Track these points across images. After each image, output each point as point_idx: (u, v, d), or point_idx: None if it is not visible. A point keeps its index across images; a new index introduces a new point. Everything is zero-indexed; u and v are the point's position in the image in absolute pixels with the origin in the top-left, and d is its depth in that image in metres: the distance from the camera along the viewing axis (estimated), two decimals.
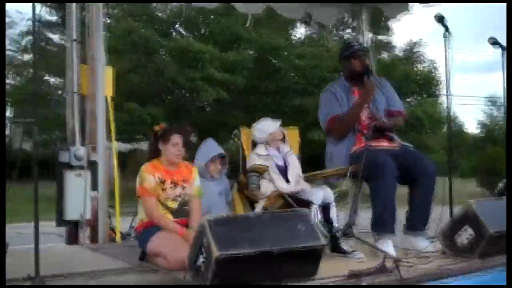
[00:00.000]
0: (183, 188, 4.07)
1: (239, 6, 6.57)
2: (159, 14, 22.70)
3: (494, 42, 5.17)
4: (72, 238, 6.41)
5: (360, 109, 4.66)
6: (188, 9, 20.67)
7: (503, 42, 5.18)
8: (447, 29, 4.91)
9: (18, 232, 7.18)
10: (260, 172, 4.28)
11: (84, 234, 6.04)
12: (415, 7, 7.10)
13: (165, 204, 4.00)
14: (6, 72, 32.95)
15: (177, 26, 22.68)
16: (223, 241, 3.14)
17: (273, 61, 22.22)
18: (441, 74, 23.31)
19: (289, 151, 4.75)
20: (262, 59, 21.71)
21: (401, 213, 4.69)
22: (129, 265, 4.04)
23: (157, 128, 4.14)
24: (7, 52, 32.70)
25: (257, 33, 21.21)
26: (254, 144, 4.75)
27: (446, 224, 4.35)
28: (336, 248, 4.29)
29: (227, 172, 4.75)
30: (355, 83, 4.76)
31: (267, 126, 4.72)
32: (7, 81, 33.18)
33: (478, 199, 4.24)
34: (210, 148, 4.63)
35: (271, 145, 4.67)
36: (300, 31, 25.27)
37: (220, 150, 4.61)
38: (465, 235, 4.18)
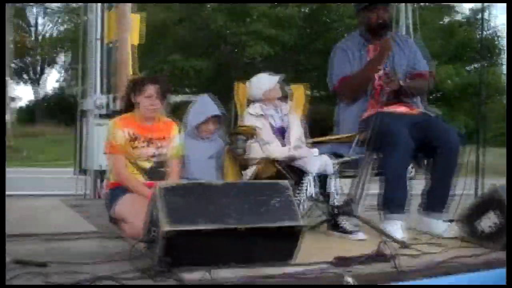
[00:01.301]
0: (159, 147, 3.55)
1: None
2: None
3: None
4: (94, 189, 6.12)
5: (373, 69, 4.00)
6: None
7: None
8: None
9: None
10: (248, 133, 3.70)
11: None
12: None
13: (136, 164, 3.50)
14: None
15: None
16: (175, 213, 2.64)
17: (324, 19, 21.29)
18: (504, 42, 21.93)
19: (290, 111, 4.13)
20: (313, 16, 20.85)
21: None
22: (96, 228, 3.60)
23: (130, 78, 3.61)
24: None
25: None
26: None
27: (468, 207, 3.72)
28: (335, 226, 3.73)
29: (221, 132, 4.14)
30: (371, 39, 4.09)
31: (262, 82, 4.11)
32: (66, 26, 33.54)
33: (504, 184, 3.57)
34: (206, 107, 4.00)
35: (268, 104, 4.06)
36: None
37: (217, 110, 3.99)
38: (489, 222, 3.56)
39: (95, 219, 3.89)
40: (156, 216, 2.65)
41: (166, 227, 2.57)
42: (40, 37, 33.89)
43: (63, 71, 35.40)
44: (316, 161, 3.66)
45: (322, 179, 3.74)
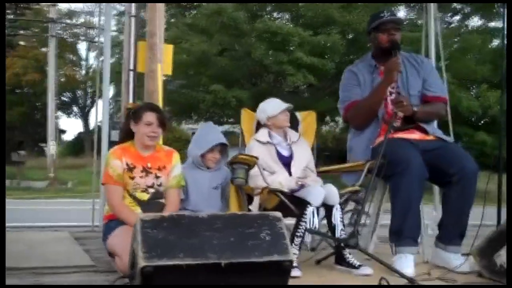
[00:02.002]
0: (157, 177, 3.45)
1: None
2: None
3: None
4: None
5: (380, 92, 3.81)
6: None
7: None
8: None
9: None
10: (249, 164, 3.55)
11: None
12: None
13: (134, 195, 3.40)
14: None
15: (268, 8, 21.99)
16: (154, 248, 2.51)
17: (368, 45, 21.05)
18: None
19: (298, 140, 3.97)
20: (355, 43, 20.62)
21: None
22: (93, 263, 3.51)
23: (129, 105, 3.54)
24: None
25: (352, 16, 20.14)
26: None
27: (484, 240, 3.47)
28: (341, 260, 3.54)
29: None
30: (383, 61, 3.90)
31: (268, 107, 3.97)
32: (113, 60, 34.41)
33: None
34: (211, 135, 3.88)
35: (275, 131, 3.92)
36: (399, 15, 23.79)
37: (222, 138, 3.86)
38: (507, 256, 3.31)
39: (96, 252, 3.81)
40: (135, 250, 2.55)
41: (142, 262, 2.46)
42: (90, 71, 34.82)
43: (112, 104, 36.19)
44: (319, 191, 3.48)
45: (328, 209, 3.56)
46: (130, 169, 3.39)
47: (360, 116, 3.88)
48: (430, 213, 4.57)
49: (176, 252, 2.52)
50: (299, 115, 4.20)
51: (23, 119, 29.34)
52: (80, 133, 35.22)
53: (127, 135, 3.51)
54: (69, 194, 16.08)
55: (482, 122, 22.88)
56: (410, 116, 3.77)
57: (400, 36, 3.89)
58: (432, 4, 5.97)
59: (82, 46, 34.98)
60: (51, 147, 19.79)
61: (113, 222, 3.35)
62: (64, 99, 34.59)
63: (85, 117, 35.09)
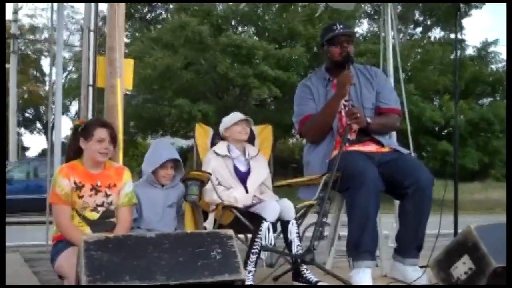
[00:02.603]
0: (107, 195, 3.35)
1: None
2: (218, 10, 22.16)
3: None
4: None
5: (334, 106, 3.77)
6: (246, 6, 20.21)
7: None
8: None
9: None
10: (202, 180, 3.48)
11: None
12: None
13: (83, 215, 3.29)
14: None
15: (233, 21, 22.03)
16: (98, 270, 2.41)
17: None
18: None
19: (256, 155, 3.92)
20: (320, 55, 20.77)
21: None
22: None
23: (76, 122, 3.43)
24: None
25: (316, 29, 20.28)
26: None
27: (442, 252, 3.44)
28: (298, 276, 3.47)
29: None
30: (336, 74, 3.87)
31: (226, 119, 3.94)
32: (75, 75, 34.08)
33: (480, 224, 3.28)
34: (162, 151, 3.78)
35: (233, 144, 3.86)
36: (362, 28, 24.13)
37: (173, 154, 3.76)
38: (463, 268, 3.28)
39: (46, 274, 3.67)
40: (79, 273, 2.45)
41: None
42: (54, 87, 34.32)
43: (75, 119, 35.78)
44: (274, 206, 3.42)
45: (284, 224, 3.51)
46: (79, 187, 3.28)
47: (315, 130, 3.84)
48: (391, 224, 4.55)
49: (122, 274, 2.43)
50: (255, 129, 4.15)
51: None
52: (44, 150, 34.67)
53: (75, 153, 3.40)
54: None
55: (445, 132, 23.23)
56: (365, 128, 3.74)
57: (353, 48, 3.87)
58: (390, 14, 6.00)
59: (45, 62, 34.42)
60: None
61: (61, 243, 3.23)
62: (27, 115, 34.10)
63: (49, 133, 34.58)
